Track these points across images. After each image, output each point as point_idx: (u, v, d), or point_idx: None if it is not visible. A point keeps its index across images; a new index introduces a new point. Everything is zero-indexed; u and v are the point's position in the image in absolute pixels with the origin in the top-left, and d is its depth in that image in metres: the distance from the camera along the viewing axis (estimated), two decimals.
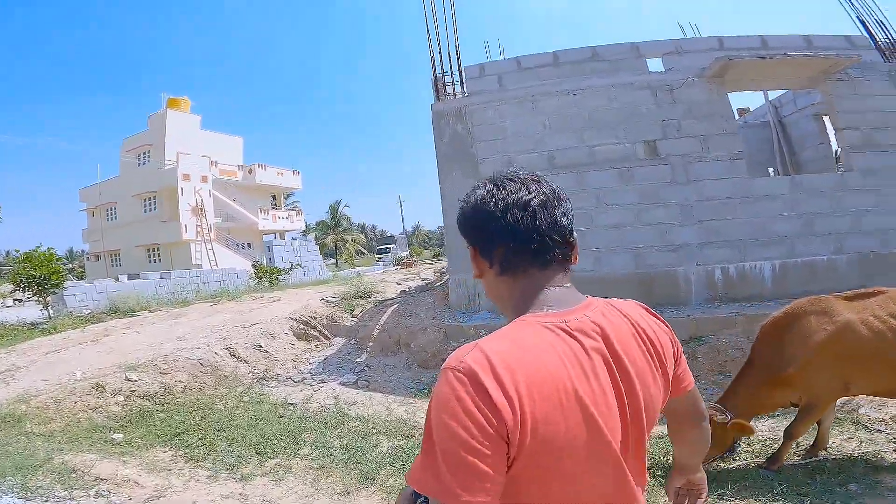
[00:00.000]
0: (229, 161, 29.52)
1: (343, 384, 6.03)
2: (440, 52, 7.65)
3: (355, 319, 8.20)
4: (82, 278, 23.67)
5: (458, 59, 7.66)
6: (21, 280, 10.72)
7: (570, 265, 0.88)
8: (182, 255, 24.79)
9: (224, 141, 30.21)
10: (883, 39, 7.04)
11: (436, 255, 33.39)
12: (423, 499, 0.78)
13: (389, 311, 7.99)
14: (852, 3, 7.13)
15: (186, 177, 25.55)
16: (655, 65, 7.18)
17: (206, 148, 27.46)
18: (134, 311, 10.51)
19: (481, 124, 7.31)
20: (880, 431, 3.81)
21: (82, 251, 38.58)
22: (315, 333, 7.85)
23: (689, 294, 6.85)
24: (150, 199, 26.56)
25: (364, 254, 43.57)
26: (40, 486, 3.16)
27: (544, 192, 0.84)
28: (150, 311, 10.41)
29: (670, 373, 0.90)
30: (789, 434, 3.25)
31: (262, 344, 7.10)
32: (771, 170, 10.73)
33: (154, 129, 27.38)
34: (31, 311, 12.16)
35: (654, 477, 3.18)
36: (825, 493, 2.91)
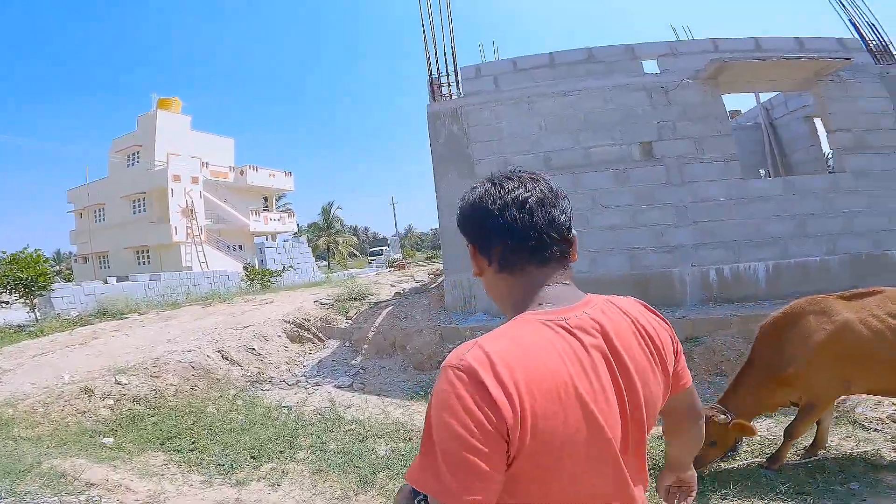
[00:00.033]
0: (220, 162, 29.25)
1: (338, 387, 5.96)
2: (436, 53, 7.64)
3: (350, 321, 8.13)
4: (70, 280, 23.34)
5: (455, 59, 7.66)
6: (7, 282, 10.56)
7: (570, 262, 0.88)
8: (172, 258, 24.51)
9: (215, 142, 29.94)
10: (874, 42, 7.14)
11: (429, 258, 33.34)
12: (421, 497, 0.77)
13: (384, 313, 7.93)
14: (844, 6, 7.23)
15: (176, 178, 25.29)
16: (651, 66, 7.22)
17: (196, 149, 27.21)
18: (123, 314, 10.36)
19: (477, 125, 7.29)
20: (877, 430, 3.83)
21: (70, 253, 38.08)
22: (309, 336, 7.76)
23: (684, 295, 6.87)
24: (139, 200, 26.25)
25: (356, 256, 43.41)
26: (29, 492, 3.06)
27: (542, 190, 0.84)
28: (140, 314, 10.26)
29: (670, 370, 0.90)
30: (789, 434, 3.25)
31: (255, 346, 7.01)
32: (762, 171, 10.83)
33: (143, 129, 27.07)
34: (18, 313, 11.94)
35: (654, 478, 3.16)
36: (827, 493, 2.91)
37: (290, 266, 20.05)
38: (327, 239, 42.07)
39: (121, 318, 9.83)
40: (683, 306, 6.75)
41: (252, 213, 29.78)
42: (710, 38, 7.24)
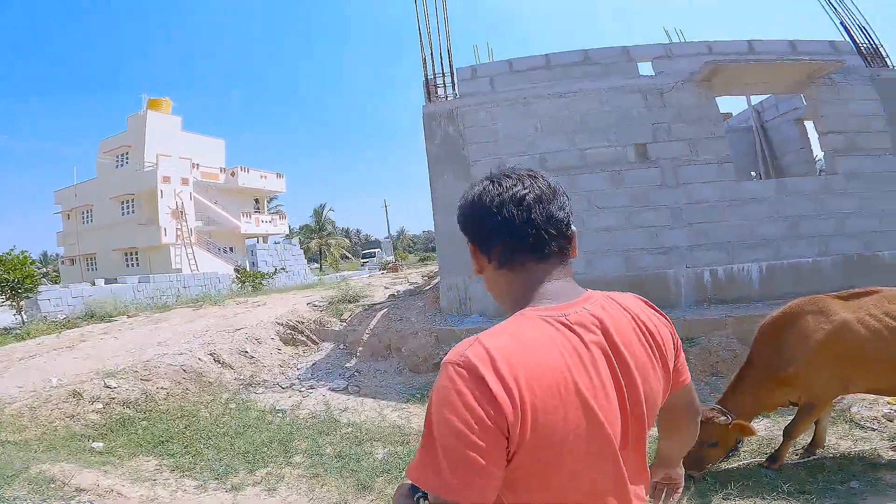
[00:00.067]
0: (211, 163, 29.00)
1: (333, 390, 5.89)
2: (432, 54, 7.60)
3: (344, 324, 8.05)
4: (57, 283, 22.95)
5: (451, 60, 7.63)
6: None
7: (570, 259, 0.88)
8: (161, 259, 24.24)
9: (206, 143, 29.67)
10: (865, 44, 7.24)
11: (421, 260, 33.24)
12: (421, 493, 0.76)
13: (379, 315, 7.86)
14: (835, 8, 7.32)
15: (166, 179, 25.02)
16: (646, 69, 7.26)
17: (187, 150, 26.96)
18: (111, 317, 10.20)
19: (473, 126, 7.27)
20: (873, 429, 3.86)
21: (57, 255, 37.48)
22: (303, 338, 7.68)
23: (679, 296, 6.90)
24: (128, 201, 25.93)
25: (348, 258, 43.21)
26: (17, 497, 2.97)
27: (539, 187, 0.85)
28: (129, 316, 10.10)
29: (670, 366, 0.90)
30: (789, 433, 3.26)
31: (247, 349, 6.92)
32: (753, 174, 10.93)
33: (133, 130, 26.77)
34: (4, 315, 11.72)
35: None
36: (828, 491, 2.92)
37: (282, 268, 19.91)
38: (319, 241, 41.86)
39: (109, 321, 9.67)
40: (678, 307, 6.77)
41: (243, 215, 29.53)
42: (704, 40, 7.30)
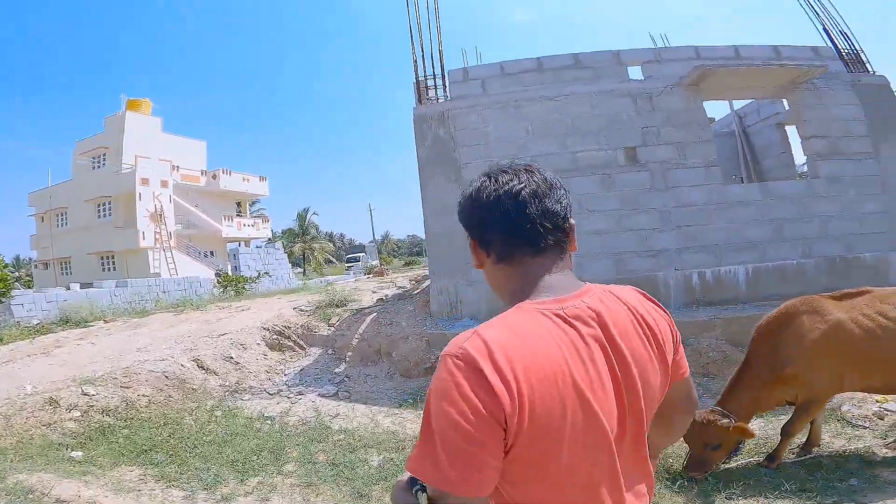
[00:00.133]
0: (192, 166, 28.43)
1: (322, 395, 5.75)
2: (423, 56, 7.55)
3: (332, 329, 7.90)
4: (30, 287, 22.14)
5: (442, 62, 7.59)
6: None
7: (568, 252, 0.89)
8: (139, 264, 23.63)
9: (186, 145, 29.10)
10: (846, 50, 7.43)
11: (407, 264, 33.11)
12: (419, 485, 0.76)
13: (368, 319, 7.74)
14: (818, 14, 7.50)
15: (145, 181, 24.44)
16: (635, 73, 7.33)
17: (167, 152, 26.40)
18: (87, 322, 9.87)
19: (464, 129, 7.24)
20: (865, 427, 3.92)
21: (30, 259, 36.26)
22: (289, 343, 7.50)
23: (668, 298, 6.94)
24: (104, 204, 25.26)
25: (333, 262, 42.79)
26: None
27: (535, 182, 0.86)
28: (106, 322, 9.77)
29: (669, 359, 0.89)
30: (787, 432, 3.29)
31: (232, 355, 6.72)
32: (735, 178, 11.14)
33: (111, 131, 26.11)
34: None
35: (658, 480, 3.12)
36: (829, 490, 2.93)
37: (266, 272, 19.58)
38: (303, 245, 41.37)
39: (85, 326, 9.35)
40: (668, 309, 6.75)
41: (224, 219, 29.00)
42: (692, 45, 7.40)
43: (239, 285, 15.65)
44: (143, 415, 4.80)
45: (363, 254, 40.51)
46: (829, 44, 7.56)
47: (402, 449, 3.99)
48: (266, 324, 7.75)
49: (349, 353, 6.95)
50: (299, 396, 5.75)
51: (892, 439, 3.60)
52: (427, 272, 11.35)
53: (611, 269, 6.99)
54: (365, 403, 5.49)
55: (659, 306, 0.93)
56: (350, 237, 63.25)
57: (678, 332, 0.94)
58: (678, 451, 3.38)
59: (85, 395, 4.92)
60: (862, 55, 7.46)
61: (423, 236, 8.76)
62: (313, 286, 14.87)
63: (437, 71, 7.54)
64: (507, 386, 0.68)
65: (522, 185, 0.85)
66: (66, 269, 26.21)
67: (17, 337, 8.37)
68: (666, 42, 8.94)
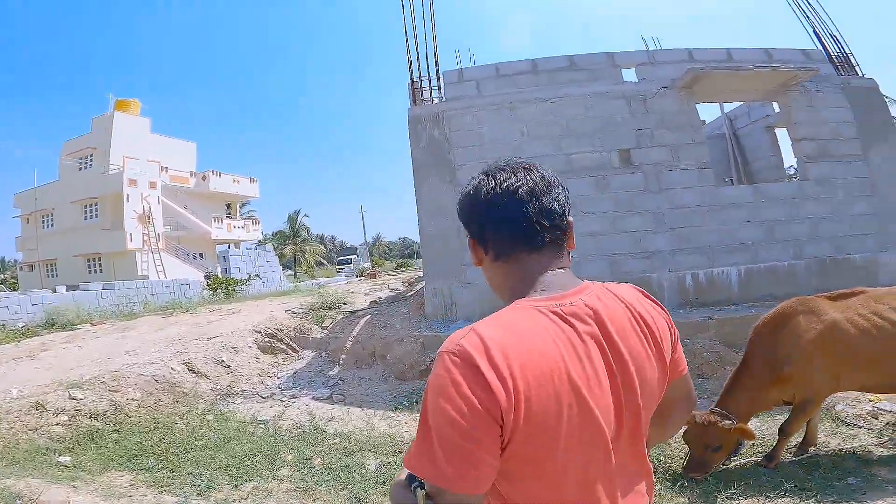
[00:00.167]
0: (181, 167, 28.09)
1: (316, 399, 5.68)
2: (418, 57, 7.53)
3: (325, 331, 7.82)
4: (15, 289, 21.71)
5: (437, 63, 7.57)
6: None
7: (566, 250, 0.89)
8: (126, 266, 23.28)
9: (176, 146, 28.77)
10: (836, 53, 7.54)
11: (398, 266, 32.94)
12: (417, 482, 0.75)
13: (362, 322, 7.68)
14: (808, 17, 7.60)
15: (133, 182, 24.11)
16: (629, 75, 7.37)
17: (155, 153, 26.07)
18: (74, 325, 9.69)
19: (459, 130, 7.22)
20: (860, 426, 3.95)
21: (15, 261, 35.62)
22: (282, 346, 7.41)
23: (662, 300, 6.79)
24: (91, 205, 24.89)
25: (324, 265, 42.53)
26: None
27: (533, 179, 0.86)
28: (93, 324, 9.61)
29: (667, 357, 0.89)
30: (785, 431, 3.31)
31: (223, 358, 6.62)
32: (726, 180, 11.26)
33: (98, 131, 25.73)
34: None
35: (659, 481, 3.11)
36: (828, 489, 2.95)
37: (257, 275, 19.37)
38: (294, 247, 41.09)
39: (72, 329, 9.17)
40: None
41: (214, 221, 28.68)
42: (685, 48, 7.46)
43: (229, 288, 15.45)
44: (132, 419, 4.71)
45: (355, 256, 40.25)
46: (820, 47, 7.67)
47: (399, 452, 3.95)
48: (258, 326, 7.65)
49: (343, 356, 6.89)
50: (293, 400, 5.68)
51: (887, 438, 3.64)
52: (420, 274, 11.31)
53: (605, 271, 7.00)
54: (360, 406, 5.43)
55: (657, 304, 0.93)
56: (341, 239, 62.89)
57: (676, 330, 0.94)
58: (678, 452, 3.38)
59: (72, 398, 4.82)
60: (851, 58, 7.57)
61: (415, 238, 8.71)
62: (305, 288, 14.74)
63: (433, 72, 7.53)
64: (504, 383, 0.68)
65: (520, 183, 0.85)
66: (52, 271, 25.76)
67: (2, 340, 8.19)
68: (657, 44, 9.01)
